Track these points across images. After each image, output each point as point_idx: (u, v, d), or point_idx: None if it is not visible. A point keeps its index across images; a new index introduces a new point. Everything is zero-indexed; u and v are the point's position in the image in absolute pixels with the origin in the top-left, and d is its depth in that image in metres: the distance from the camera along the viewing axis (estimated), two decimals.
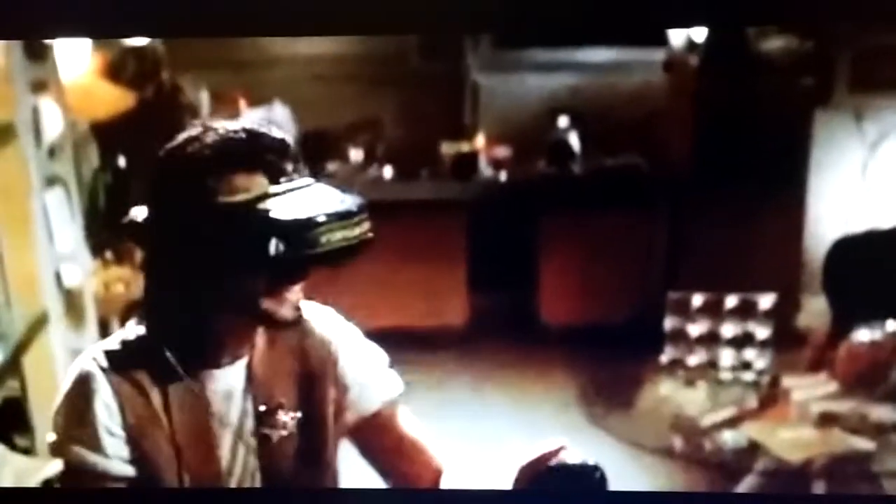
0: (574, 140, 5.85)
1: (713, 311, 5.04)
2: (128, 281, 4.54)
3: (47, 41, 4.19)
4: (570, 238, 5.61)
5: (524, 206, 5.74)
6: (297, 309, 2.19)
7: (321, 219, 2.08)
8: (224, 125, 2.14)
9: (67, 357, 4.23)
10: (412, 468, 2.46)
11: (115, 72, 4.70)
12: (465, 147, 5.91)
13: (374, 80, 5.77)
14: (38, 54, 4.22)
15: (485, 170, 5.92)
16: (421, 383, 5.17)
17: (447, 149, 5.90)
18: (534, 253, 5.70)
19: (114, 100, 4.66)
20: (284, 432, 2.29)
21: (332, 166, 5.88)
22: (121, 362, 2.20)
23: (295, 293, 2.18)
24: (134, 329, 2.24)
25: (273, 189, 2.09)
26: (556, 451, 2.16)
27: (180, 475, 2.22)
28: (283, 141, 2.15)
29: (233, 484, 2.27)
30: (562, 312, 5.67)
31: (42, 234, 4.21)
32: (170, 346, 2.20)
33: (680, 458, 4.68)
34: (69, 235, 4.41)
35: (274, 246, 2.04)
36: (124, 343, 2.22)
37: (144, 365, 2.20)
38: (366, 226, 2.21)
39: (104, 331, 4.44)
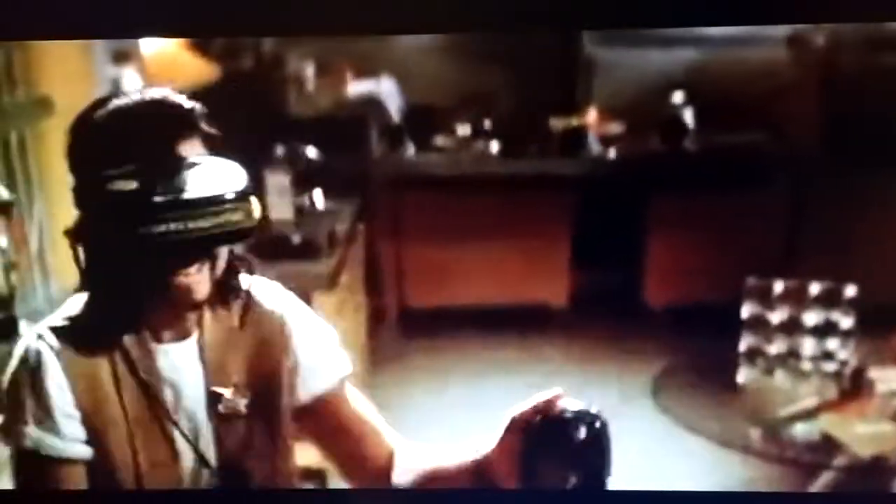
0: (688, 116, 5.71)
1: (796, 298, 4.86)
2: None
3: None
4: (679, 218, 5.47)
5: (633, 184, 5.64)
6: (189, 294, 2.10)
7: (191, 202, 2.01)
8: (131, 94, 2.09)
9: None
10: (362, 448, 2.37)
11: (202, 43, 4.72)
12: (574, 122, 5.81)
13: (485, 52, 5.70)
14: None
15: (594, 146, 5.81)
16: (518, 361, 5.19)
17: (556, 124, 5.80)
18: (640, 232, 5.59)
19: (199, 71, 4.68)
20: (239, 410, 2.25)
21: (439, 140, 5.87)
22: (69, 339, 2.16)
23: (206, 272, 2.11)
24: (79, 304, 2.19)
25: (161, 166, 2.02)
26: (553, 401, 2.07)
27: (135, 455, 2.18)
28: (185, 113, 2.09)
29: (188, 463, 2.22)
30: (666, 294, 5.58)
31: None
32: (114, 323, 2.17)
33: (750, 451, 4.56)
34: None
35: (150, 226, 1.99)
36: (71, 319, 2.18)
37: (92, 341, 2.16)
38: (241, 213, 2.07)
39: None
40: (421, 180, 5.69)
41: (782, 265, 5.25)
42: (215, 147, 2.12)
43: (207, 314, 2.23)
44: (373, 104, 5.54)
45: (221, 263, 2.13)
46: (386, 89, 5.54)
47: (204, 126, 2.11)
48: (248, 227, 2.07)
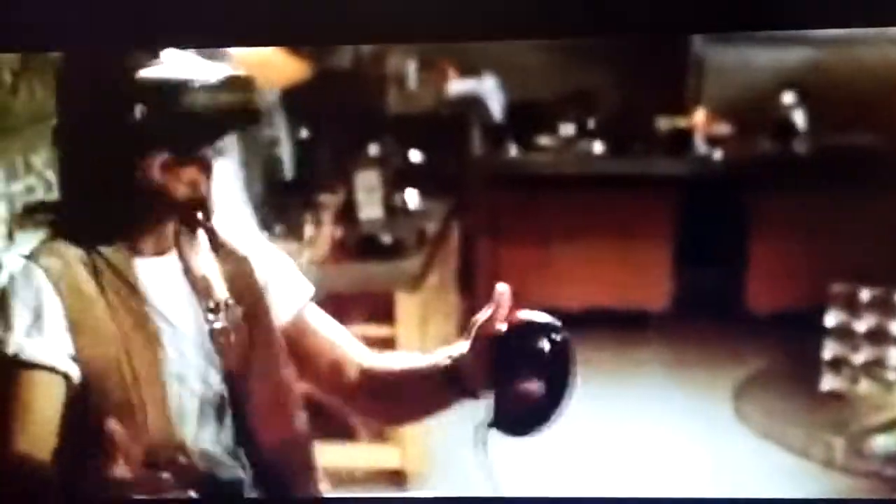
0: (799, 117, 5.55)
1: (882, 306, 4.70)
2: (291, 256, 4.56)
3: None
4: (787, 221, 5.32)
5: (740, 186, 5.51)
6: (196, 190, 2.38)
7: (184, 81, 2.28)
8: None
9: None
10: (332, 365, 2.53)
11: None
12: (681, 122, 5.70)
13: (592, 49, 5.62)
14: None
15: (700, 146, 5.70)
16: (613, 365, 5.12)
17: (662, 123, 5.71)
18: (746, 235, 5.42)
19: (292, 70, 4.69)
20: (235, 322, 2.41)
21: (542, 140, 5.79)
22: (56, 260, 2.30)
23: (189, 173, 2.37)
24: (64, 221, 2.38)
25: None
26: (514, 310, 2.26)
27: (121, 370, 2.28)
28: None
29: (174, 381, 2.35)
30: (770, 299, 5.39)
31: None
32: (94, 238, 2.33)
33: (831, 463, 4.43)
34: (234, 209, 4.48)
35: (139, 110, 2.23)
36: (57, 244, 2.34)
37: (78, 261, 2.31)
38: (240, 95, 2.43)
39: None
40: (522, 180, 5.62)
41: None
42: None
43: (183, 235, 2.44)
44: (474, 103, 5.51)
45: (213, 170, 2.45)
46: (488, 88, 5.50)
47: None
48: (251, 110, 2.49)
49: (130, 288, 2.29)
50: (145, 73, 2.24)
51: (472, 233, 5.45)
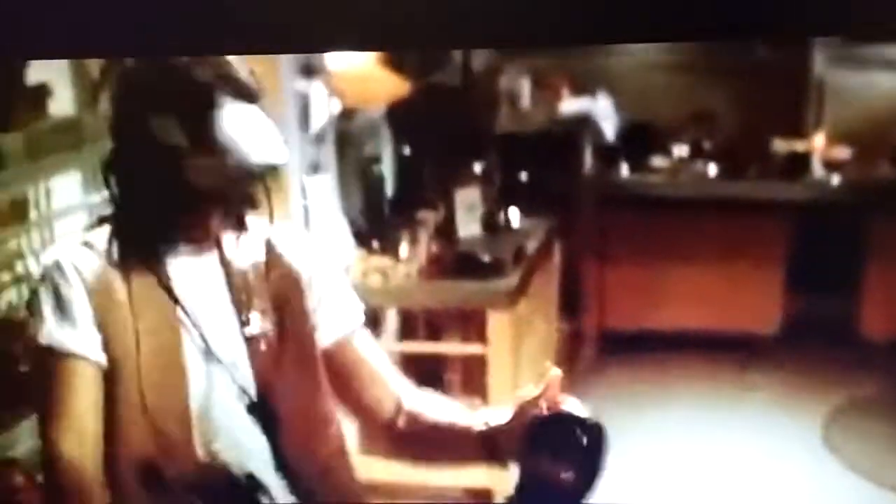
0: None
1: None
2: (385, 271, 4.61)
3: None
4: None
5: (856, 211, 5.37)
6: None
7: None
8: None
9: None
10: (369, 394, 2.47)
11: (396, 59, 4.74)
12: (799, 146, 5.57)
13: (710, 70, 5.53)
14: None
15: (817, 170, 5.57)
16: (719, 389, 5.05)
17: (779, 147, 5.60)
18: (861, 261, 5.32)
19: (390, 88, 4.70)
20: (268, 335, 2.37)
21: (655, 161, 5.74)
22: (88, 259, 2.29)
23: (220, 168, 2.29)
24: (100, 232, 2.34)
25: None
26: (557, 396, 2.18)
27: (139, 365, 2.27)
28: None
29: (195, 389, 2.33)
30: (886, 326, 5.25)
31: (298, 220, 4.33)
32: (134, 237, 2.32)
33: None
34: (330, 223, 4.51)
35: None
36: (90, 244, 2.32)
37: (110, 260, 2.29)
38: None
39: None
40: (632, 200, 5.59)
41: None
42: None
43: (224, 238, 2.39)
44: (587, 122, 5.48)
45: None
46: (602, 107, 5.47)
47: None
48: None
49: (160, 286, 2.29)
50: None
51: (577, 252, 5.44)
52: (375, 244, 4.67)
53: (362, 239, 4.68)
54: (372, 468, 4.31)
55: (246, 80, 2.32)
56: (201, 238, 2.35)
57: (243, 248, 2.39)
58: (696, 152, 5.75)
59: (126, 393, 2.25)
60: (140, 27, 2.54)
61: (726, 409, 4.88)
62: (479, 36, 2.68)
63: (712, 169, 5.68)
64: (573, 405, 2.17)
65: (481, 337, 4.51)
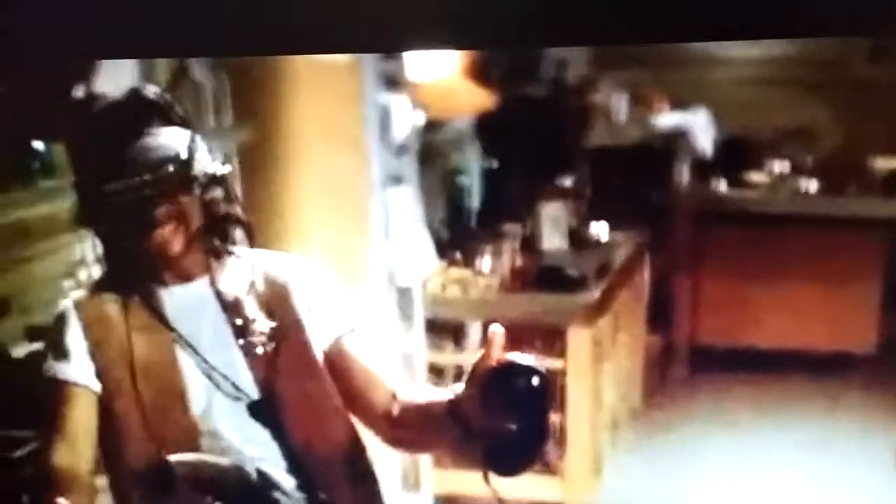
0: None
1: None
2: (466, 283, 4.61)
3: None
4: None
5: None
6: (165, 247, 2.38)
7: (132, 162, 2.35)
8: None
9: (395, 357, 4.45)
10: (366, 391, 2.52)
11: (482, 71, 4.73)
12: None
13: (811, 85, 5.42)
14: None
15: None
16: (812, 408, 4.94)
17: (881, 164, 5.46)
18: None
19: (475, 100, 4.69)
20: (264, 341, 2.45)
21: (752, 176, 5.63)
22: (90, 296, 2.47)
23: (157, 232, 2.38)
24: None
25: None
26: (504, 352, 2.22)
27: (139, 397, 2.39)
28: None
29: (196, 401, 2.44)
30: None
31: (378, 232, 4.34)
32: (118, 272, 2.46)
33: None
34: (411, 235, 4.51)
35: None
36: (94, 283, 2.50)
37: (108, 294, 2.44)
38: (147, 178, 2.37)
39: (432, 331, 4.54)
40: (729, 216, 5.49)
41: None
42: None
43: (212, 262, 2.50)
44: (683, 136, 5.41)
45: (193, 218, 2.40)
46: (699, 122, 5.39)
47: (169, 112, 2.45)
48: (179, 181, 2.38)
49: (153, 316, 2.43)
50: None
51: (669, 267, 5.39)
52: (457, 256, 4.69)
53: (444, 250, 4.70)
54: (446, 481, 4.34)
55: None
56: (189, 267, 2.47)
57: (231, 271, 2.51)
58: (796, 168, 5.64)
59: (126, 412, 2.40)
60: (199, 27, 2.58)
61: (819, 429, 4.78)
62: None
63: (810, 185, 5.57)
64: (515, 357, 2.20)
65: (561, 351, 4.55)
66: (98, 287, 2.49)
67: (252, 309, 2.49)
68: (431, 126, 4.66)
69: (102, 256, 2.47)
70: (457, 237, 4.72)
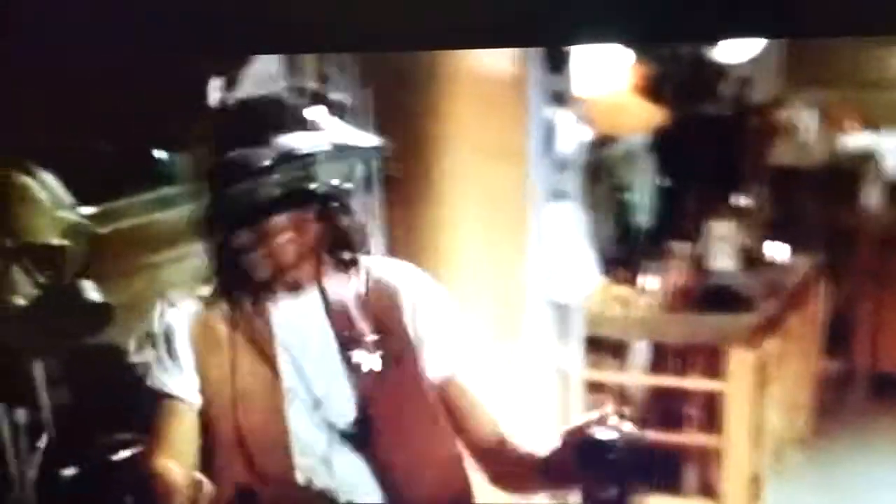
0: None
1: None
2: (626, 300, 4.57)
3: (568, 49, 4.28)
4: None
5: None
6: (283, 254, 2.38)
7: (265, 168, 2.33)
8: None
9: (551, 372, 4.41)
10: (473, 430, 2.50)
11: (655, 88, 4.66)
12: None
13: None
14: (558, 66, 4.32)
15: None
16: None
17: None
18: None
19: (644, 116, 4.63)
20: (372, 359, 2.42)
21: None
22: (201, 309, 2.47)
23: (291, 239, 2.39)
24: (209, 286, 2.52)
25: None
26: (603, 417, 2.21)
27: (236, 412, 2.41)
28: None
29: (295, 426, 2.42)
30: None
31: (537, 247, 4.31)
32: (228, 285, 2.46)
33: None
34: (572, 251, 4.47)
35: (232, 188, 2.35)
36: (206, 296, 2.49)
37: (217, 307, 2.46)
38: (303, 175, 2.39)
39: (591, 348, 4.48)
40: None
41: None
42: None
43: (324, 274, 2.48)
44: (872, 158, 5.21)
45: (311, 231, 2.40)
46: (890, 144, 5.18)
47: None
48: (309, 189, 2.37)
49: (261, 330, 2.43)
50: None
51: (850, 291, 5.22)
52: (620, 273, 4.64)
53: (608, 267, 4.66)
54: None
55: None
56: (299, 280, 2.46)
57: (344, 283, 2.48)
58: None
59: (223, 428, 2.42)
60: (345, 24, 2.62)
61: None
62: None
63: None
64: (613, 422, 2.19)
65: (723, 373, 4.45)
66: (208, 300, 2.49)
67: (361, 322, 2.46)
68: (599, 142, 4.65)
69: (216, 268, 2.48)
70: (622, 254, 4.68)
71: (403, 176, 3.78)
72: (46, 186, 2.66)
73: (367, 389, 2.41)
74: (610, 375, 4.59)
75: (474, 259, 4.30)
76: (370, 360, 2.41)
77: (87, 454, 2.86)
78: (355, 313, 2.46)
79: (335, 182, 2.41)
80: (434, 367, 2.49)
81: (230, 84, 3.38)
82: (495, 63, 4.19)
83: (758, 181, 4.95)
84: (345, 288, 2.48)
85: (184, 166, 3.18)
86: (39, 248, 2.62)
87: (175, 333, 2.45)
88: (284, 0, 2.66)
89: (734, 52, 4.84)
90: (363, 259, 2.50)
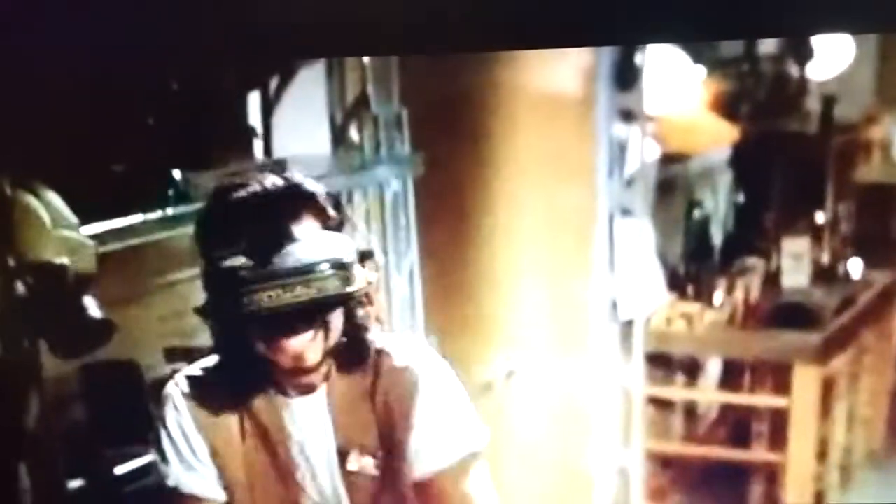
0: None
1: None
2: (691, 318, 4.56)
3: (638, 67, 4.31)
4: None
5: None
6: (300, 360, 2.21)
7: (247, 278, 2.14)
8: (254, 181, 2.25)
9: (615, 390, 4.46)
10: None
11: (730, 105, 4.63)
12: None
13: None
14: (627, 83, 4.36)
15: None
16: None
17: None
18: None
19: (720, 134, 4.60)
20: (368, 469, 2.33)
21: None
22: (202, 391, 2.35)
23: (316, 338, 2.21)
24: (213, 361, 2.39)
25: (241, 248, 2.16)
26: None
27: (254, 497, 2.35)
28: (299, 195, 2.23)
29: None
30: None
31: (602, 264, 4.35)
32: (238, 384, 2.34)
33: None
34: (638, 267, 4.52)
35: (249, 297, 2.14)
36: (206, 372, 2.37)
37: (220, 398, 2.34)
38: (336, 282, 2.17)
39: (659, 364, 4.53)
40: None
41: None
42: (334, 226, 2.24)
43: (334, 371, 2.33)
44: None
45: (335, 329, 2.23)
46: None
47: (322, 207, 2.24)
48: (342, 294, 2.18)
49: (273, 427, 2.34)
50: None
51: None
52: (688, 290, 4.64)
53: (676, 284, 4.67)
54: None
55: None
56: (310, 380, 2.33)
57: (353, 378, 2.35)
58: None
59: None
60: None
61: None
62: None
63: None
64: None
65: (787, 389, 4.43)
66: (211, 378, 2.37)
67: (365, 429, 2.36)
68: (671, 159, 4.69)
69: (222, 358, 2.35)
70: (690, 271, 4.69)
71: (466, 193, 3.84)
72: (49, 205, 2.74)
73: (361, 497, 2.35)
74: (671, 392, 4.64)
75: (539, 274, 4.36)
76: (366, 465, 2.34)
77: (92, 467, 2.97)
78: (359, 412, 2.36)
79: (366, 278, 2.27)
80: (422, 463, 2.34)
81: None
82: (563, 80, 4.26)
83: (838, 198, 4.89)
84: (352, 381, 2.35)
85: (195, 185, 3.25)
86: (42, 266, 2.70)
87: (188, 426, 2.34)
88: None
89: (819, 68, 4.82)
90: (376, 346, 2.34)
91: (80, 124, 2.96)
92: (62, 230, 2.71)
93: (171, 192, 3.21)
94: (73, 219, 2.75)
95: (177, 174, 3.24)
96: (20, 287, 2.65)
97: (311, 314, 2.19)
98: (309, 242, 2.17)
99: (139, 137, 3.19)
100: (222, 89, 3.49)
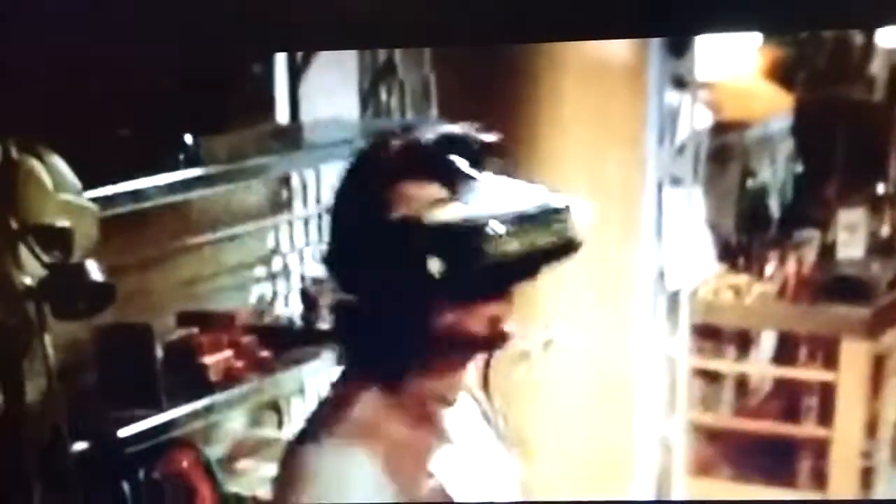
0: None
1: None
2: (739, 289, 4.48)
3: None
4: None
5: None
6: (496, 326, 2.02)
7: (485, 226, 1.94)
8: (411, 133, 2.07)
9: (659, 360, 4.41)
10: None
11: (788, 72, 4.52)
12: None
13: None
14: (680, 50, 4.28)
15: None
16: None
17: None
18: None
19: (774, 101, 4.48)
20: None
21: None
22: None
23: (493, 309, 2.03)
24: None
25: (445, 196, 1.99)
26: None
27: None
28: (467, 141, 2.06)
29: None
30: None
31: (650, 233, 4.29)
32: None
33: None
34: (687, 237, 4.44)
35: (434, 264, 1.93)
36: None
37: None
38: (550, 232, 2.00)
39: (699, 335, 4.45)
40: None
41: None
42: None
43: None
44: None
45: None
46: None
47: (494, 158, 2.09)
48: (576, 241, 2.02)
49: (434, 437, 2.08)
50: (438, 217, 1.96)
51: None
52: (739, 260, 4.56)
53: (727, 254, 4.59)
54: None
55: None
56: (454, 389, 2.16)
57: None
58: None
59: None
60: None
61: None
62: None
63: None
64: None
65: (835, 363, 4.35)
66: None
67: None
68: (724, 127, 4.60)
69: (345, 345, 2.16)
70: (741, 241, 4.61)
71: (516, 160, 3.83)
72: (52, 168, 2.76)
73: None
74: (717, 364, 4.56)
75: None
76: None
77: (97, 430, 2.99)
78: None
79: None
80: None
81: None
82: (614, 47, 4.20)
83: None
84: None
85: (208, 150, 3.28)
86: (44, 229, 2.71)
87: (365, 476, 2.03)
88: None
89: (888, 35, 4.68)
90: None
91: (91, 87, 2.98)
92: (64, 194, 2.74)
93: (181, 157, 3.23)
94: (77, 183, 2.78)
95: (188, 138, 3.27)
96: (22, 249, 2.70)
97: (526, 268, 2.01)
98: (516, 187, 2.04)
99: (150, 101, 3.18)
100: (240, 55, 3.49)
